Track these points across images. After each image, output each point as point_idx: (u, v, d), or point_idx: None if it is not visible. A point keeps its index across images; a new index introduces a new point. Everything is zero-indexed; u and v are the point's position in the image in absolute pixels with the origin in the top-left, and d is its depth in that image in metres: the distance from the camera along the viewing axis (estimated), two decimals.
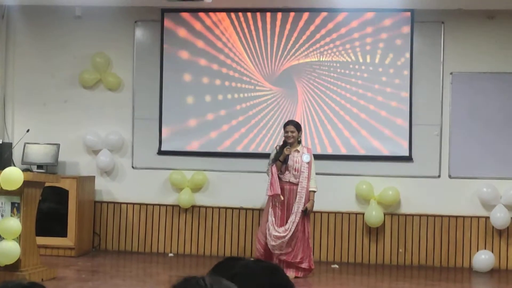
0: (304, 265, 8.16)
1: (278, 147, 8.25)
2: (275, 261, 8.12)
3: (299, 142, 8.32)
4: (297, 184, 8.13)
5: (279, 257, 8.11)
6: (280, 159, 8.08)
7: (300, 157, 8.18)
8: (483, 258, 9.11)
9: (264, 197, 8.40)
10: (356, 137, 9.62)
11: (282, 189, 8.13)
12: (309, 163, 8.19)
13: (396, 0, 9.30)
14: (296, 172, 8.14)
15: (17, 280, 2.26)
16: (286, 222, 8.10)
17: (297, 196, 8.10)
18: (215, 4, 9.39)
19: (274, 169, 8.08)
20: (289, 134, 8.18)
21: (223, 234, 9.83)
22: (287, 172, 8.15)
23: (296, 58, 9.76)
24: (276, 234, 8.03)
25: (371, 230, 9.56)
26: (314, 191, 8.24)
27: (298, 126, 8.29)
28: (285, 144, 8.16)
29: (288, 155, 8.10)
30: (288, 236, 8.01)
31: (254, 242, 9.15)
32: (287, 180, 8.16)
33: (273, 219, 8.10)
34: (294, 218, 8.05)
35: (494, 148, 9.41)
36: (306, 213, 8.16)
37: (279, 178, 8.13)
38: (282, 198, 8.07)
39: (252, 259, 2.40)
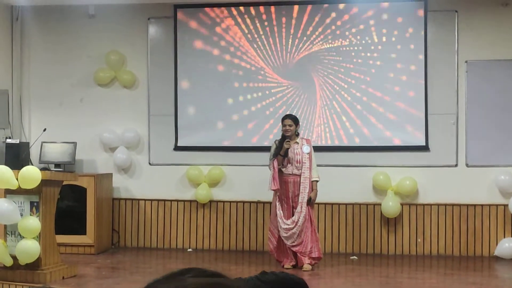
0: (314, 255, 8.25)
1: (277, 142, 8.37)
2: (289, 252, 8.33)
3: (298, 135, 8.42)
4: (300, 176, 8.24)
5: (291, 248, 8.26)
6: (281, 153, 8.22)
7: (300, 149, 8.31)
8: (507, 247, 9.08)
9: None
10: (372, 128, 9.60)
11: (286, 182, 8.27)
12: (309, 153, 8.31)
13: None
14: (298, 164, 8.27)
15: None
16: (293, 214, 8.22)
17: (301, 186, 8.22)
18: None
19: (275, 163, 8.22)
20: (287, 127, 8.31)
21: (241, 228, 9.85)
22: (289, 164, 8.29)
23: (307, 48, 9.74)
24: (286, 226, 8.20)
25: (389, 220, 9.54)
26: (317, 181, 8.36)
27: (295, 120, 8.42)
28: (284, 138, 8.25)
29: (288, 149, 8.19)
30: (297, 226, 8.14)
31: None
32: (290, 173, 8.30)
33: (281, 212, 8.27)
34: (300, 208, 8.19)
35: (511, 135, 9.36)
36: (309, 202, 8.24)
37: (282, 172, 8.27)
38: (278, 193, 8.25)
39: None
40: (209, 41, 9.96)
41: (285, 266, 8.28)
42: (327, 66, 9.71)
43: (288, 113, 9.01)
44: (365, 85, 9.64)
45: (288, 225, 8.17)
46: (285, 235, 8.19)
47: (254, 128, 9.87)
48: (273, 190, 8.27)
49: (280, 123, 8.73)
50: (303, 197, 8.20)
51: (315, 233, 8.31)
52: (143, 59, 10.18)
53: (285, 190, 8.27)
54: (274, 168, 8.22)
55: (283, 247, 8.33)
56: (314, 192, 8.31)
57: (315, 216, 8.74)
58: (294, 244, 8.20)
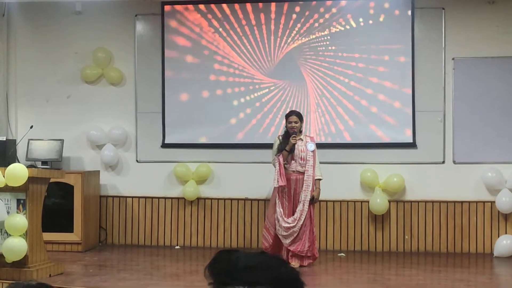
0: (310, 253, 8.15)
1: (281, 137, 8.23)
2: (283, 252, 8.15)
3: (301, 132, 8.32)
4: (303, 173, 8.12)
5: (288, 247, 8.10)
6: (287, 149, 8.06)
7: (305, 146, 8.16)
8: (504, 244, 9.10)
9: (269, 187, 8.39)
10: (359, 125, 9.61)
11: (288, 179, 8.12)
12: (313, 151, 8.19)
13: None
14: (302, 161, 8.12)
15: (25, 281, 2.27)
16: (294, 211, 8.10)
17: (304, 184, 8.08)
18: None
19: (280, 159, 8.06)
20: (293, 124, 8.16)
21: (229, 225, 9.85)
22: (293, 161, 8.13)
23: (290, 43, 9.75)
24: (286, 225, 8.02)
25: (377, 217, 9.56)
26: (320, 179, 8.24)
27: (300, 116, 8.28)
28: (287, 134, 8.15)
29: (294, 144, 8.10)
30: (298, 225, 8.01)
31: (260, 232, 9.17)
32: (294, 170, 8.14)
33: (281, 210, 8.09)
34: (302, 206, 8.04)
35: (498, 132, 9.40)
36: (313, 201, 8.16)
37: (286, 168, 8.13)
38: (285, 189, 8.09)
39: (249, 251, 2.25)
40: (195, 39, 9.95)
41: None
42: (312, 63, 9.71)
43: (287, 110, 8.95)
44: (352, 83, 9.65)
45: (289, 223, 8.00)
46: (284, 233, 8.02)
47: (245, 126, 9.86)
48: (281, 186, 8.04)
49: (273, 121, 8.77)
50: (306, 195, 8.05)
51: (312, 232, 8.18)
52: (130, 56, 10.16)
53: (287, 187, 8.10)
54: (280, 163, 8.04)
55: (279, 245, 8.18)
56: (317, 190, 8.17)
57: (316, 215, 8.67)
58: (292, 243, 8.07)
